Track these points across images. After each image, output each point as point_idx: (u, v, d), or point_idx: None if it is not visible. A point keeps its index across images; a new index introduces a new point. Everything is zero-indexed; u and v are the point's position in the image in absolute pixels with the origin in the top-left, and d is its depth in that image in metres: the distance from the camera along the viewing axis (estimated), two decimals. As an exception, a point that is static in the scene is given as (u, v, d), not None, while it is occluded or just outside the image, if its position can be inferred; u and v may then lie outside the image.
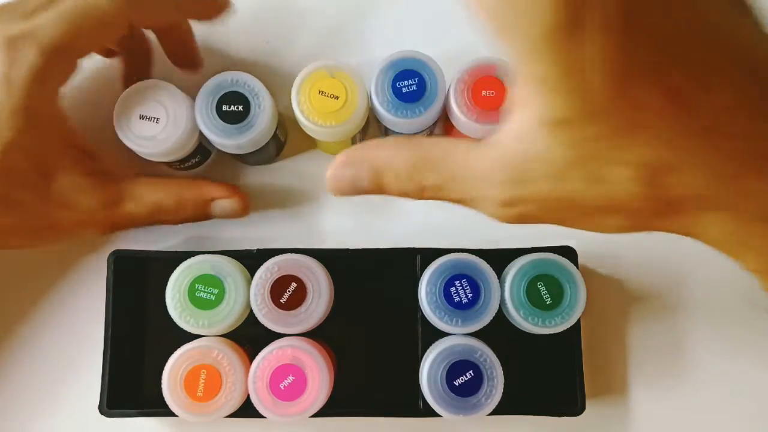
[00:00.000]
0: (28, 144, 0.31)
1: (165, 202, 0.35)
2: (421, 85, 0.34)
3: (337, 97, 0.34)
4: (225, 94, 0.35)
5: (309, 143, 0.40)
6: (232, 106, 0.35)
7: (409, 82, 0.34)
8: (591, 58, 0.19)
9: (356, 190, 0.27)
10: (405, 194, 0.26)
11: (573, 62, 0.19)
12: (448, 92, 0.35)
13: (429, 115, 0.34)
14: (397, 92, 0.34)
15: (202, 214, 0.36)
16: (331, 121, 0.34)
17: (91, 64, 0.38)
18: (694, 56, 0.19)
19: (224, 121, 0.34)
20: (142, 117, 0.35)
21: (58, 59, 0.31)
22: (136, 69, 0.39)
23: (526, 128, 0.22)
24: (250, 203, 0.38)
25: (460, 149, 0.25)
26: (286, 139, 0.40)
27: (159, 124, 0.35)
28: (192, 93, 0.35)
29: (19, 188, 0.32)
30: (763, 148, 0.20)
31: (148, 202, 0.35)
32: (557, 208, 0.23)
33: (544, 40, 0.19)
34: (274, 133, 0.36)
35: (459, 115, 0.34)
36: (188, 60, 0.39)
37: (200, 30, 0.42)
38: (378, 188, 0.27)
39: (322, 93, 0.34)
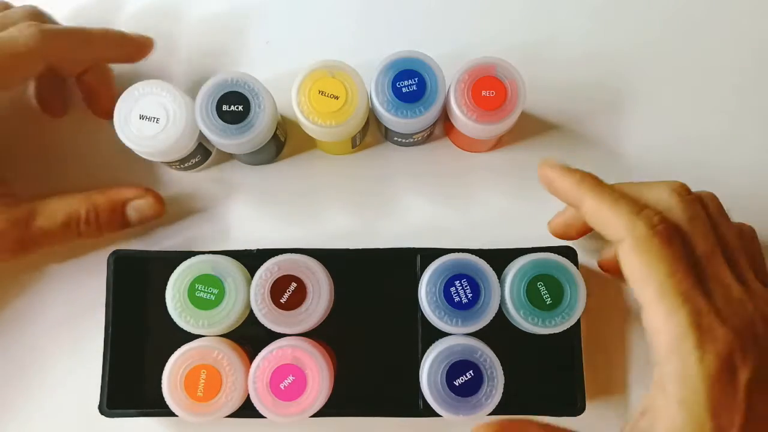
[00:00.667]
0: None
1: (78, 212, 0.35)
2: (421, 85, 0.34)
3: (337, 97, 0.34)
4: (225, 94, 0.35)
5: (309, 143, 0.40)
6: (232, 106, 0.35)
7: (409, 82, 0.34)
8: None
9: None
10: None
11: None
12: (448, 92, 0.35)
13: (429, 115, 0.34)
14: (397, 92, 0.34)
15: (118, 219, 0.36)
16: (331, 121, 0.34)
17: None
18: None
19: (224, 121, 0.34)
20: (142, 117, 0.35)
21: None
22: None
23: None
24: (165, 203, 0.38)
25: None
26: (286, 139, 0.40)
27: (159, 123, 0.35)
28: (192, 93, 0.35)
29: None
30: None
31: (61, 215, 0.35)
32: None
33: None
34: (274, 133, 0.36)
35: (459, 115, 0.34)
36: (101, 109, 0.39)
37: (200, 30, 0.42)
38: None
39: (322, 93, 0.34)
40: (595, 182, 0.31)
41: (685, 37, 0.42)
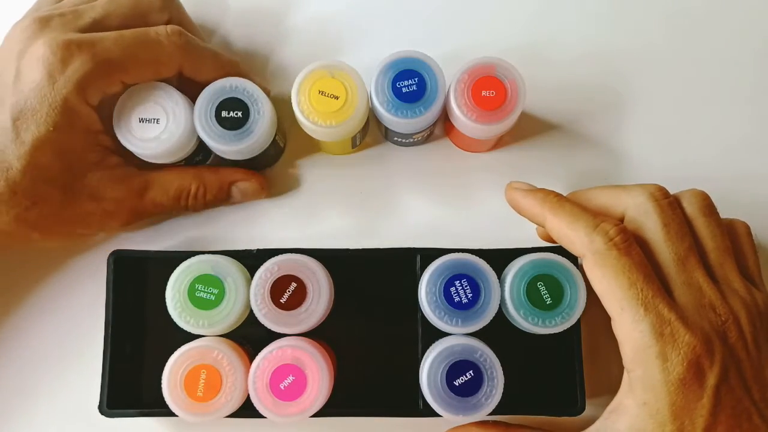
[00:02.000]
0: (60, 140, 0.33)
1: (189, 187, 0.37)
2: (421, 85, 0.34)
3: (337, 97, 0.34)
4: (224, 100, 0.35)
5: (310, 145, 0.40)
6: (232, 113, 0.35)
7: (409, 82, 0.34)
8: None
9: None
10: None
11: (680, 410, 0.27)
12: (448, 92, 0.35)
13: (429, 115, 0.34)
14: (397, 92, 0.34)
15: (223, 197, 0.38)
16: (331, 121, 0.34)
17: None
18: None
19: (223, 127, 0.34)
20: (141, 120, 0.35)
21: (106, 72, 0.33)
22: None
23: None
24: (266, 186, 0.39)
25: None
26: (285, 145, 0.40)
27: (160, 124, 0.35)
28: (191, 98, 0.35)
29: (45, 183, 0.33)
30: None
31: (173, 188, 0.37)
32: None
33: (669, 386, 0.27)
34: (274, 139, 0.36)
35: (459, 115, 0.34)
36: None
37: (201, 30, 0.42)
38: None
39: (322, 93, 0.34)
40: (555, 201, 0.31)
41: (685, 37, 0.42)
